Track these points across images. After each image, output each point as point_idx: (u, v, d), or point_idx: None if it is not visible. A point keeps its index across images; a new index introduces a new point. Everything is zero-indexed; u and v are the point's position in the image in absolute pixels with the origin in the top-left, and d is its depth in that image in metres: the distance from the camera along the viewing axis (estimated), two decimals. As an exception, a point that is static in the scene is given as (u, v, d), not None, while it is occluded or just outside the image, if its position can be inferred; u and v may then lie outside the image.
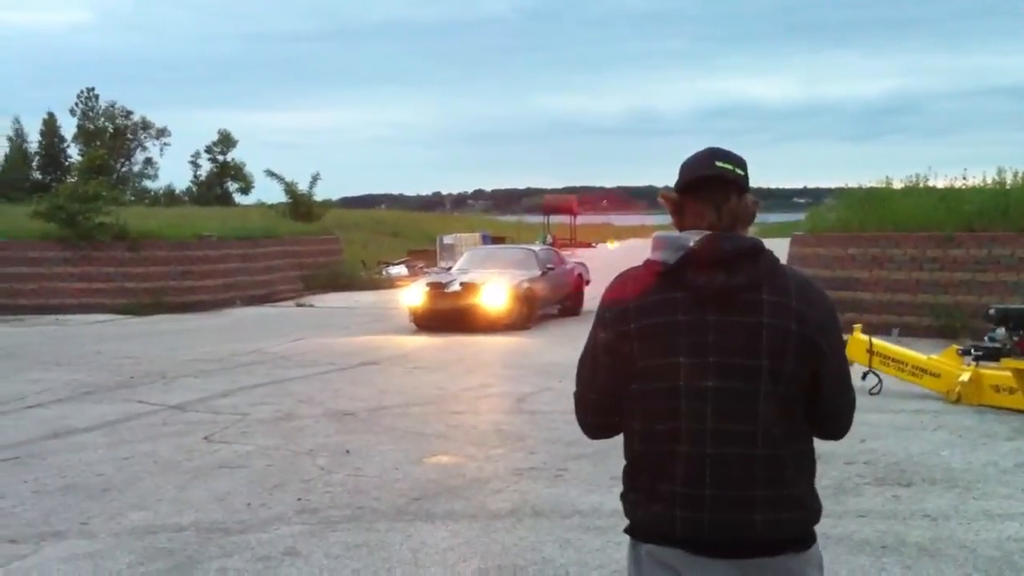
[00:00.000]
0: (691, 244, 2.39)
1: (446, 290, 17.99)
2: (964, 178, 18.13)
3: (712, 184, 2.47)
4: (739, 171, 2.50)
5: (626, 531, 2.55)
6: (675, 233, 2.48)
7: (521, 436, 8.93)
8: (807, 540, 2.46)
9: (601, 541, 5.97)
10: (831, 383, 2.50)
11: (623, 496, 2.56)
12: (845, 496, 6.81)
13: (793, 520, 2.41)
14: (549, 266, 19.70)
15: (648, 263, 2.48)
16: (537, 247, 22.98)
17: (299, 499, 6.99)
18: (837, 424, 2.61)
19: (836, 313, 2.53)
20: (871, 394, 10.14)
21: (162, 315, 21.74)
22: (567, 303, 20.47)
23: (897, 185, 18.46)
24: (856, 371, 9.47)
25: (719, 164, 2.48)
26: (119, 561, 5.76)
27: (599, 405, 2.61)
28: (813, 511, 2.48)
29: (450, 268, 21.04)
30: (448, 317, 17.77)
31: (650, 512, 2.44)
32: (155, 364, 13.79)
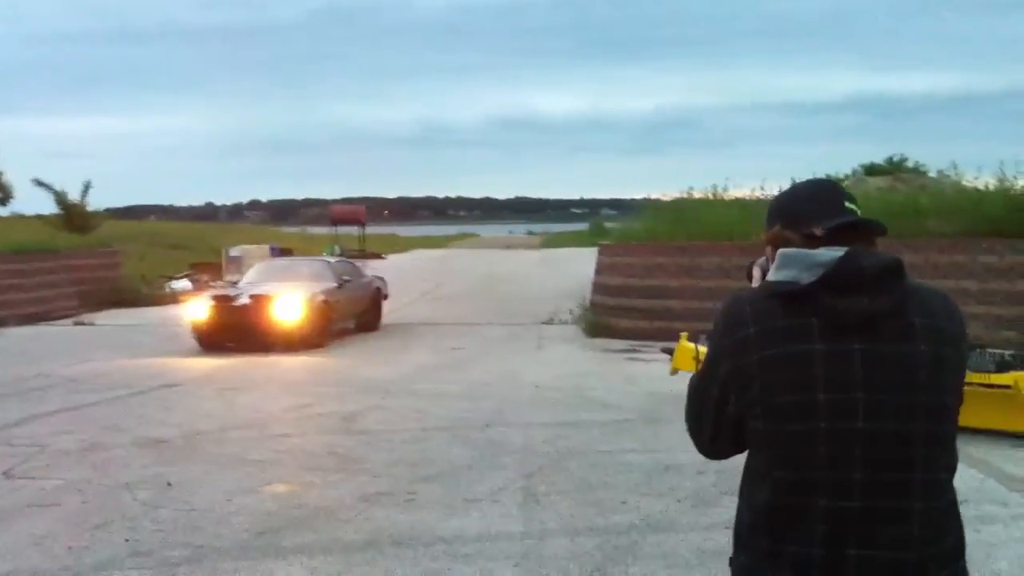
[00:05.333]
0: (828, 262, 2.05)
1: (234, 303, 16.96)
2: (762, 189, 19.02)
3: (857, 230, 2.15)
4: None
5: None
6: (804, 250, 2.10)
7: (359, 459, 8.46)
8: None
9: (473, 570, 5.65)
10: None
11: (732, 560, 2.19)
12: (706, 507, 6.75)
13: None
14: (345, 278, 18.99)
15: (771, 283, 2.12)
16: (332, 259, 22.28)
17: (127, 540, 6.33)
18: None
19: None
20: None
21: (-76, 337, 19.86)
22: (364, 318, 19.81)
23: (697, 195, 19.02)
24: (684, 377, 9.48)
25: (848, 205, 2.18)
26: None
27: (713, 434, 2.26)
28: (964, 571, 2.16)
29: (238, 282, 20.03)
30: (236, 332, 16.66)
31: None
32: (-73, 392, 12.46)
